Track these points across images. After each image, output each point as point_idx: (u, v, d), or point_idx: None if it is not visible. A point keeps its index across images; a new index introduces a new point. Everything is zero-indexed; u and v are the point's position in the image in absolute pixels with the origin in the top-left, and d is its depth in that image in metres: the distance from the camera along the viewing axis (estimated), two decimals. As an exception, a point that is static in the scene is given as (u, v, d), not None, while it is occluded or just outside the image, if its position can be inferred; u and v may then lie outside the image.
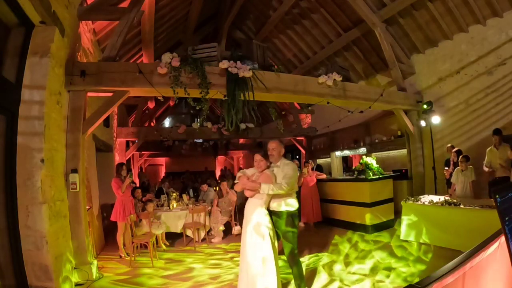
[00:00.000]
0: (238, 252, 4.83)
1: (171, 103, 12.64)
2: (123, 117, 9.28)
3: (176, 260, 4.59)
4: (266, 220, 2.87)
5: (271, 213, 3.02)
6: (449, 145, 5.66)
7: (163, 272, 4.04)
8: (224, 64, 4.38)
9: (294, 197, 3.08)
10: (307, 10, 7.86)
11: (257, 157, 3.05)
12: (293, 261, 3.02)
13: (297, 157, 11.80)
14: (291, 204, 3.01)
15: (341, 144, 9.32)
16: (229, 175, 12.67)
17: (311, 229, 6.09)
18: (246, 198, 3.07)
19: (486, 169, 4.87)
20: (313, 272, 3.69)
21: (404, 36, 6.86)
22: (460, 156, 4.91)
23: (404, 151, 7.15)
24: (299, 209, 6.40)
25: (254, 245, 2.78)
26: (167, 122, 17.01)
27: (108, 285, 3.64)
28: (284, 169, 3.04)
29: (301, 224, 6.37)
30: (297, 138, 10.62)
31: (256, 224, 2.83)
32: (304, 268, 3.49)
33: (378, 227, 5.44)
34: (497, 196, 1.20)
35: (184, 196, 6.46)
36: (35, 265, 2.87)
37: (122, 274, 3.99)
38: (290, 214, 3.00)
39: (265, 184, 2.87)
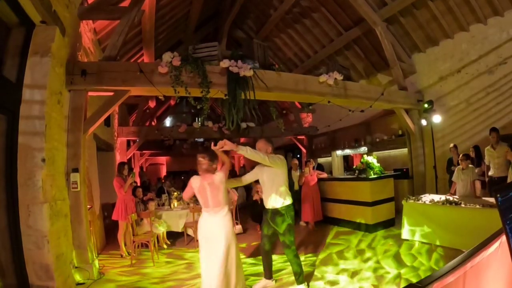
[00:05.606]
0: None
1: (172, 102, 12.60)
2: (124, 117, 9.29)
3: (176, 255, 4.75)
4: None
5: (272, 211, 3.08)
6: (451, 145, 5.65)
7: (162, 266, 4.21)
8: (225, 63, 4.38)
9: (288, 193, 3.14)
10: (307, 9, 7.84)
11: (199, 157, 2.88)
12: (292, 256, 3.09)
13: (298, 156, 11.80)
14: (287, 199, 3.10)
15: (342, 143, 9.30)
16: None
17: (312, 228, 6.08)
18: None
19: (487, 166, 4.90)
20: (313, 272, 3.68)
21: (405, 35, 6.84)
22: (460, 155, 4.89)
23: (405, 150, 7.14)
24: (298, 208, 6.28)
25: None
26: (168, 121, 16.98)
27: (109, 279, 3.68)
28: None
29: (302, 223, 6.37)
30: (298, 137, 10.62)
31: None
32: (303, 267, 3.49)
33: (379, 226, 5.44)
34: (498, 195, 1.20)
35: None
36: (36, 265, 2.88)
37: (122, 273, 4.00)
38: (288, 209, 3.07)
39: (243, 146, 2.78)
